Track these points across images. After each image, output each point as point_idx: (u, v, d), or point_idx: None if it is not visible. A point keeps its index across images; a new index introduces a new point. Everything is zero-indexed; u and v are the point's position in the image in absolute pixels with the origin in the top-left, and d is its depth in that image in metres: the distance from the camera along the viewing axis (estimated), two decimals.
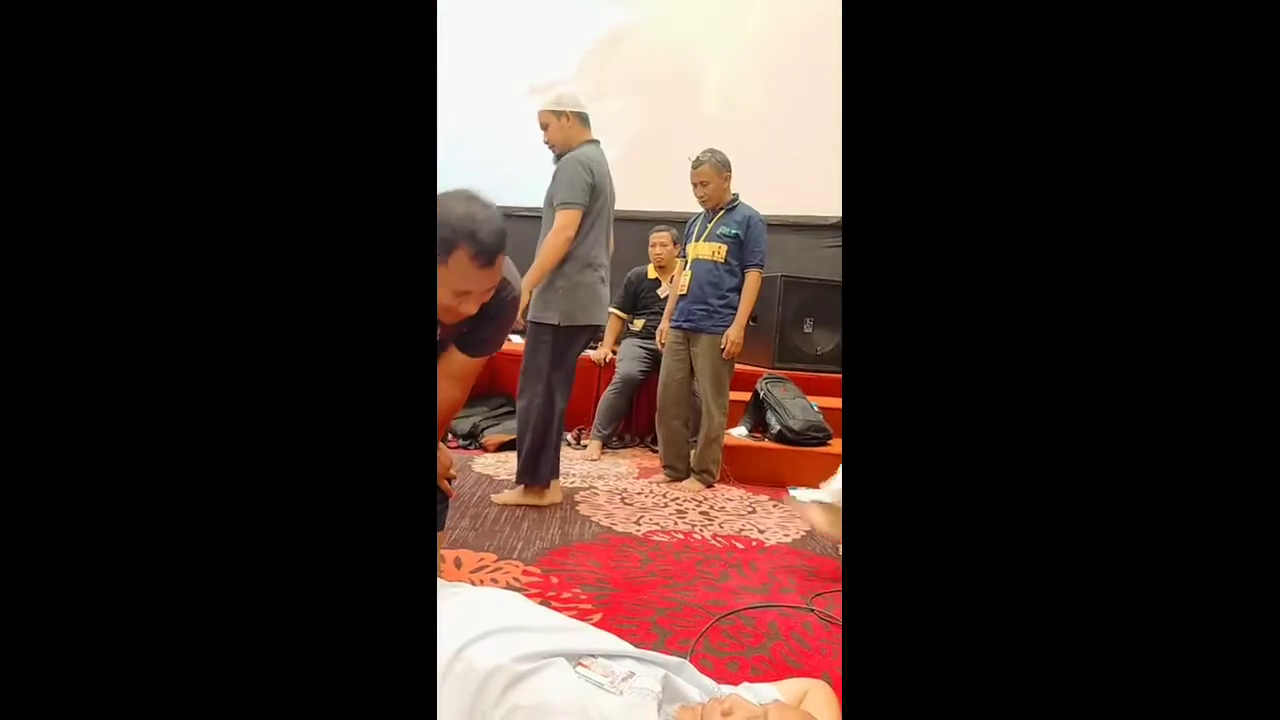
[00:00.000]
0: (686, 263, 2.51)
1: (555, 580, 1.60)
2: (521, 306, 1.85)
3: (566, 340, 2.08)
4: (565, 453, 2.86)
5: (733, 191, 2.45)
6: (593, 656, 0.79)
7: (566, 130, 2.09)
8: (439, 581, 0.92)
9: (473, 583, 1.52)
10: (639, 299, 3.17)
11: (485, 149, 3.89)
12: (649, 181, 3.70)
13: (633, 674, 0.78)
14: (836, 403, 2.76)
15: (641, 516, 2.12)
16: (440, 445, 1.17)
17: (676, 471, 2.53)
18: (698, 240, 2.46)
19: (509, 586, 1.54)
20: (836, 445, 2.62)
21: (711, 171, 2.40)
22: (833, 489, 1.74)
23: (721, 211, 2.44)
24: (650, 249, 3.13)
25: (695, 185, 2.42)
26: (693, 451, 2.53)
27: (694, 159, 2.42)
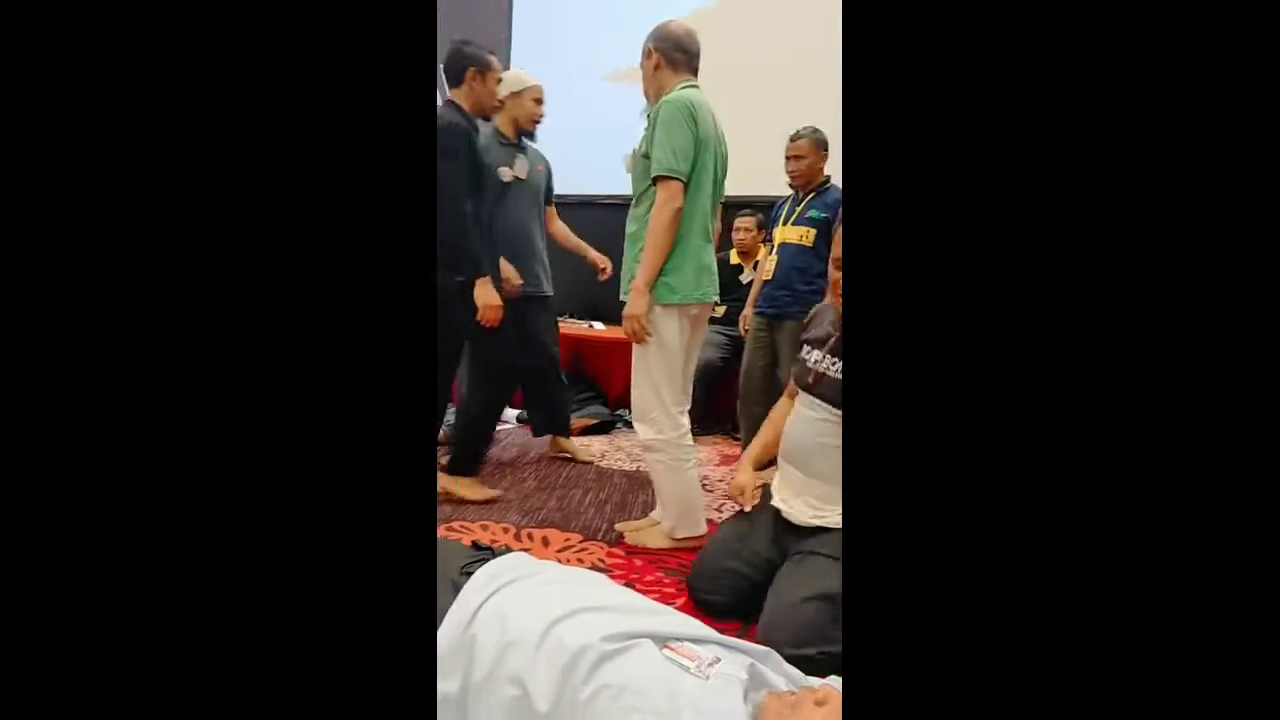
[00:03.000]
0: (773, 247, 2.46)
1: (639, 563, 1.62)
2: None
3: None
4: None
5: (826, 173, 2.38)
6: (679, 640, 0.79)
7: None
8: (528, 557, 0.94)
9: (559, 561, 1.56)
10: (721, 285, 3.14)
11: (558, 136, 3.93)
12: (731, 166, 3.64)
13: (718, 659, 0.77)
14: None
15: (723, 504, 2.11)
16: None
17: None
18: (785, 224, 2.40)
19: (593, 567, 1.57)
20: None
21: (809, 147, 2.33)
22: None
23: (811, 194, 2.37)
24: (734, 234, 3.09)
25: (789, 159, 2.37)
26: None
27: (793, 133, 2.37)
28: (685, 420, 1.70)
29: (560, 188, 2.71)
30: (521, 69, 2.47)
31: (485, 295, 1.86)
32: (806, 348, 1.46)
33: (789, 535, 1.33)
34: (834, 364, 1.35)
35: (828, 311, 1.47)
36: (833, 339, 1.37)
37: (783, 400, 1.61)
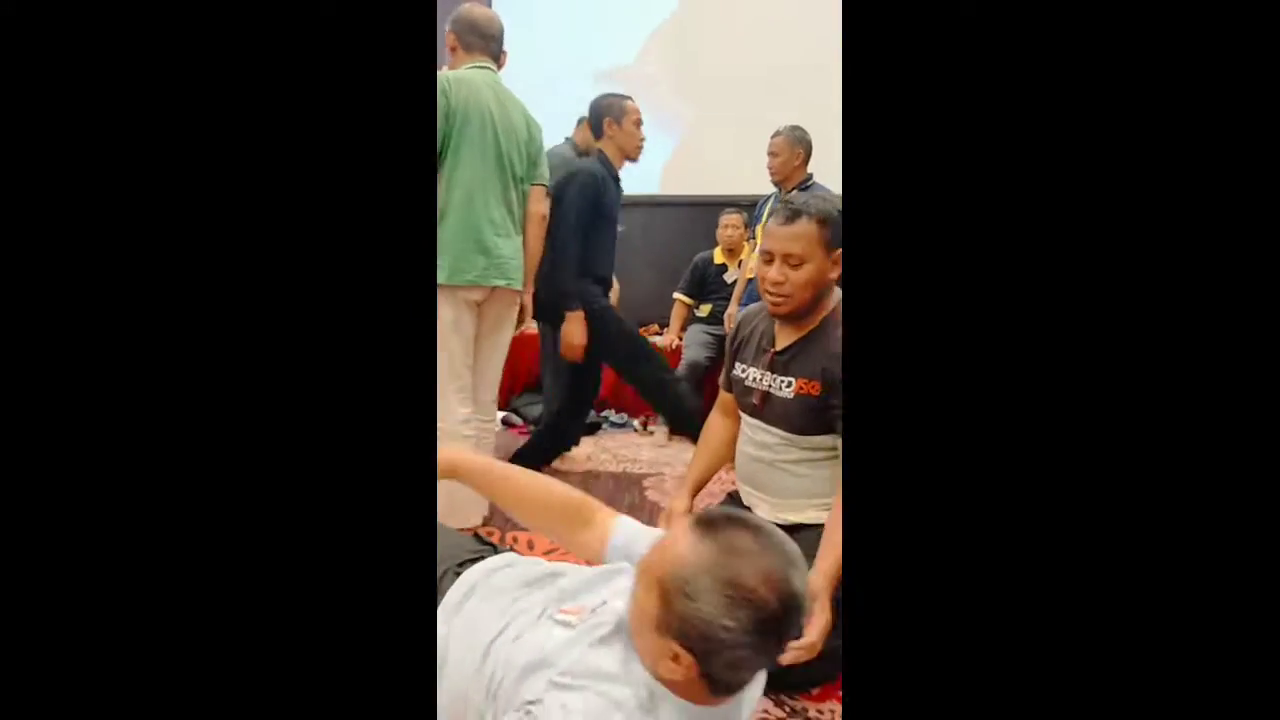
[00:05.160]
0: (756, 245, 2.45)
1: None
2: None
3: None
4: (632, 439, 2.87)
5: (808, 172, 2.38)
6: (567, 601, 0.79)
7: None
8: (497, 559, 0.93)
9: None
10: (705, 284, 3.13)
11: (546, 133, 3.91)
12: (715, 165, 3.64)
13: (604, 603, 0.76)
14: None
15: (709, 502, 2.10)
16: None
17: None
18: (768, 221, 2.40)
19: None
20: None
21: (784, 144, 2.34)
22: None
23: (793, 192, 2.37)
24: (720, 230, 3.09)
25: (768, 156, 2.38)
26: None
27: (774, 131, 2.38)
28: (463, 409, 1.64)
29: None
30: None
31: (570, 333, 1.91)
32: (740, 365, 1.34)
33: None
34: (779, 382, 1.24)
35: (756, 319, 1.35)
36: (769, 354, 1.26)
37: (715, 416, 1.47)
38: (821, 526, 1.20)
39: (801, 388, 1.20)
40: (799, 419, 1.22)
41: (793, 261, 1.17)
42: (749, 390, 1.29)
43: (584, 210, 1.90)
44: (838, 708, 1.08)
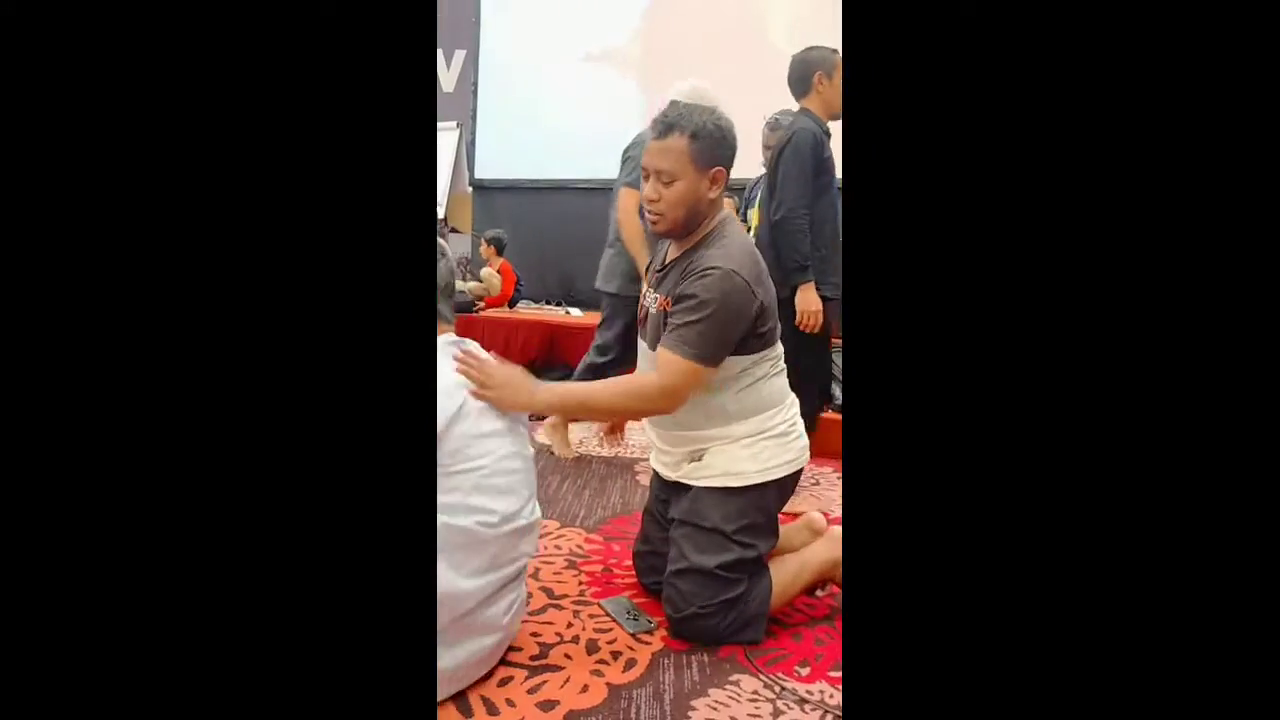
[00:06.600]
0: (749, 228, 2.43)
1: (616, 548, 1.60)
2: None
3: None
4: (627, 422, 2.87)
5: None
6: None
7: None
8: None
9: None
10: None
11: (537, 116, 3.87)
12: None
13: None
14: None
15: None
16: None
17: None
18: (759, 205, 2.38)
19: (571, 554, 1.55)
20: None
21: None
22: None
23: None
24: None
25: (765, 148, 2.34)
26: None
27: (769, 118, 2.33)
28: None
29: (538, 173, 2.69)
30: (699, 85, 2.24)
31: (807, 300, 1.84)
32: (646, 290, 1.35)
33: (664, 493, 1.34)
34: (651, 297, 1.25)
35: (659, 248, 1.36)
36: (653, 272, 1.29)
37: None
38: (697, 487, 1.23)
39: (661, 303, 1.21)
40: (653, 333, 1.22)
41: (664, 179, 1.15)
42: (641, 308, 1.31)
43: (806, 172, 1.81)
44: (827, 688, 1.08)
